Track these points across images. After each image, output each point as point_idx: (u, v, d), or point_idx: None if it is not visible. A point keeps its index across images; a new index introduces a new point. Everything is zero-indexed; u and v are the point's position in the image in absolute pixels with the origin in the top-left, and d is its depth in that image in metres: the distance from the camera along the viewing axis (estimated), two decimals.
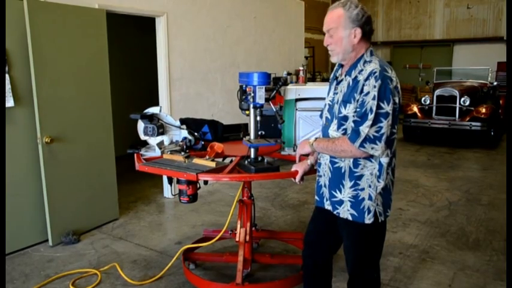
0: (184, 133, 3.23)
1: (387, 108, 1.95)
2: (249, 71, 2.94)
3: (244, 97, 2.90)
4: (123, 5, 4.68)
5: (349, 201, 2.11)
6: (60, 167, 4.00)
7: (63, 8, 3.95)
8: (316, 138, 2.24)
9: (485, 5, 13.87)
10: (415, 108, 9.21)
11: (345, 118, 2.07)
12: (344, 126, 2.08)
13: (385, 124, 1.96)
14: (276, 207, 5.17)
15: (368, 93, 1.96)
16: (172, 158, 2.93)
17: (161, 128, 3.12)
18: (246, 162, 2.88)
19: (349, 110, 2.04)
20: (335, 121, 2.13)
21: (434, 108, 9.01)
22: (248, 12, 6.79)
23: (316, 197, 2.35)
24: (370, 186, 2.07)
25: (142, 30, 6.41)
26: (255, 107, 2.86)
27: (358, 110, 1.99)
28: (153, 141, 3.13)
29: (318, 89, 3.20)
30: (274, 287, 3.21)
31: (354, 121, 2.01)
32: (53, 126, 3.90)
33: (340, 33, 2.07)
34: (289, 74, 6.98)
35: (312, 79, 12.67)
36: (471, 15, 14.12)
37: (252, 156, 2.90)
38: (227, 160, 3.17)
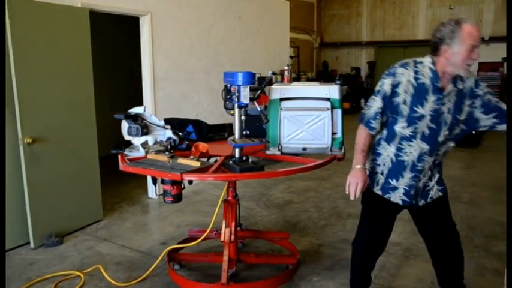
0: (169, 133, 3.22)
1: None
2: (234, 70, 2.94)
3: (228, 97, 2.89)
4: (107, 4, 4.63)
5: (436, 182, 2.50)
6: (42, 168, 3.95)
7: (45, 7, 3.90)
8: None
9: (466, 6, 14.10)
10: None
11: (459, 123, 2.41)
12: (456, 131, 2.43)
13: None
14: (261, 206, 5.18)
15: (481, 95, 2.38)
16: (157, 158, 2.91)
17: (145, 128, 3.10)
18: (231, 161, 2.88)
19: (463, 115, 2.40)
20: (445, 128, 2.36)
21: None
22: (233, 12, 6.78)
23: (405, 199, 2.48)
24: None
25: (126, 30, 6.35)
26: (239, 107, 2.86)
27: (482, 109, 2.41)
28: (137, 141, 3.11)
29: (302, 88, 3.21)
30: (260, 286, 3.21)
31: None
32: (34, 126, 3.84)
33: None
34: (274, 73, 6.97)
35: (297, 79, 12.71)
36: (453, 16, 14.29)
37: (237, 155, 2.90)
38: (212, 160, 3.16)
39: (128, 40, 6.64)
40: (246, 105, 2.86)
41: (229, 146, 2.97)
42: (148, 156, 2.98)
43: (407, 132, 2.35)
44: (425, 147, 2.36)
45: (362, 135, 2.46)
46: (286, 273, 3.31)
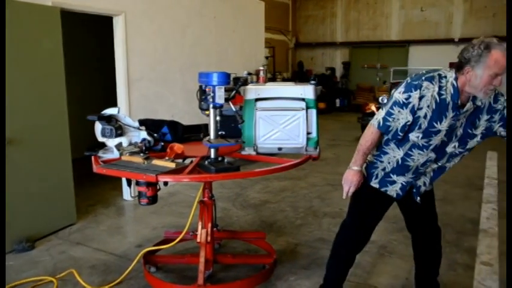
0: (144, 134, 3.19)
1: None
2: (209, 71, 2.93)
3: (203, 97, 2.89)
4: (79, 3, 4.55)
5: (430, 177, 2.64)
6: (13, 171, 3.84)
7: (14, 5, 3.79)
8: None
9: (437, 9, 14.44)
10: (373, 107, 9.47)
11: (473, 136, 2.46)
12: (468, 146, 2.53)
13: None
14: (237, 207, 5.17)
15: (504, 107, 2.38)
16: (131, 159, 2.87)
17: (119, 130, 3.06)
18: (206, 162, 2.87)
19: (478, 131, 2.46)
20: (455, 140, 2.46)
21: None
22: (208, 11, 6.75)
23: (399, 193, 2.58)
24: None
25: (100, 29, 6.25)
26: (214, 107, 2.86)
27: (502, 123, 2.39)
28: (111, 142, 3.07)
29: (277, 88, 3.22)
30: (237, 287, 3.21)
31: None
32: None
33: None
34: (249, 73, 6.98)
35: (273, 79, 12.76)
36: (425, 17, 14.66)
37: (212, 156, 2.89)
38: (187, 161, 3.14)
39: (101, 40, 6.53)
40: (221, 106, 2.86)
41: (204, 147, 2.96)
42: (123, 157, 2.95)
43: (421, 142, 2.40)
44: (433, 155, 2.47)
45: (370, 139, 2.45)
46: (263, 273, 3.32)
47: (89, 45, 7.26)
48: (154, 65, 5.67)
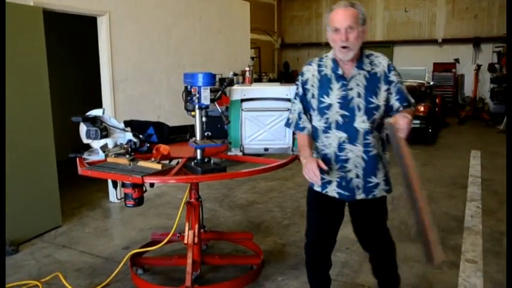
0: (129, 136, 3.16)
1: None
2: (195, 71, 2.92)
3: (189, 98, 2.88)
4: (61, 3, 4.50)
5: (383, 180, 2.43)
6: None
7: None
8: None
9: (420, 9, 14.61)
10: None
11: (377, 108, 2.29)
12: (375, 116, 2.30)
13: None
14: (224, 208, 5.17)
15: (398, 81, 2.32)
16: (117, 161, 2.85)
17: (105, 131, 3.03)
18: (193, 163, 2.87)
19: (380, 99, 2.29)
20: (361, 113, 2.29)
21: None
22: (193, 12, 6.73)
23: (340, 191, 2.42)
24: (388, 163, 2.47)
25: (85, 29, 6.18)
26: (200, 108, 2.86)
27: (399, 97, 2.30)
28: (97, 144, 3.04)
29: (263, 89, 3.23)
30: None
31: (404, 106, 2.32)
32: None
33: (357, 30, 2.23)
34: (235, 74, 6.99)
35: (258, 79, 12.77)
36: (409, 18, 14.82)
37: (199, 157, 2.89)
38: (173, 162, 3.12)
39: (87, 40, 6.47)
40: (207, 107, 2.86)
41: (190, 148, 2.95)
42: (108, 159, 2.92)
43: (322, 124, 2.37)
44: (343, 135, 2.33)
45: (299, 138, 2.54)
46: (251, 274, 3.32)
47: (72, 46, 7.18)
48: (139, 65, 5.64)
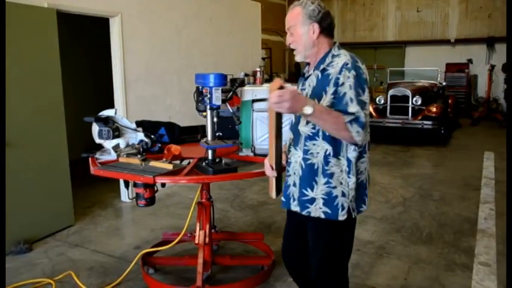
0: (141, 136, 3.18)
1: (364, 97, 1.94)
2: (206, 72, 2.93)
3: (200, 99, 2.88)
4: (75, 5, 4.54)
5: (322, 198, 2.04)
6: (10, 172, 3.82)
7: (10, 7, 3.78)
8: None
9: (433, 10, 14.48)
10: (370, 108, 9.42)
11: None
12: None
13: (364, 113, 1.91)
14: (235, 208, 5.17)
15: (343, 83, 1.94)
16: (129, 161, 2.87)
17: (117, 131, 3.05)
18: (204, 164, 2.87)
19: (323, 103, 1.97)
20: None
21: (388, 107, 9.29)
22: (204, 13, 6.76)
23: (282, 199, 2.26)
24: (341, 184, 2.02)
25: (97, 30, 6.24)
26: (211, 109, 2.86)
27: (336, 101, 1.95)
28: (109, 144, 3.06)
29: None
30: None
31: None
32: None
33: (299, 30, 2.08)
34: (246, 75, 7.00)
35: (269, 80, 12.75)
36: (421, 18, 14.70)
37: (210, 157, 2.89)
38: (185, 162, 3.14)
39: (99, 41, 6.52)
40: (218, 107, 2.86)
41: (202, 148, 2.96)
42: (120, 159, 2.94)
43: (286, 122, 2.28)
44: (291, 136, 2.22)
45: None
46: (261, 274, 3.31)
47: (85, 47, 7.25)
48: (150, 66, 5.67)
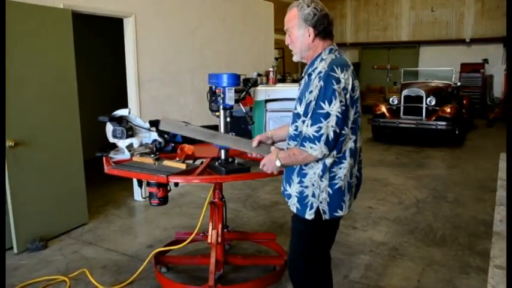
0: (154, 135, 3.20)
1: (328, 108, 1.96)
2: (219, 72, 2.93)
3: (214, 98, 2.89)
4: (89, 5, 4.59)
5: (296, 196, 2.16)
6: (25, 172, 3.89)
7: (27, 8, 3.84)
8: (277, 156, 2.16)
9: (448, 9, 14.31)
10: (384, 108, 9.39)
11: (298, 116, 2.10)
12: (296, 124, 2.12)
13: (324, 125, 1.96)
14: (247, 208, 5.17)
15: (311, 92, 2.01)
16: (142, 160, 2.89)
17: (130, 131, 3.08)
18: (217, 163, 2.88)
19: (302, 108, 2.07)
20: (292, 117, 2.18)
21: (402, 108, 9.21)
22: (217, 13, 6.78)
23: (282, 188, 2.38)
24: (313, 185, 2.09)
25: (111, 31, 6.30)
26: (224, 108, 2.86)
27: (304, 109, 2.04)
28: (122, 143, 3.09)
29: (287, 89, 3.23)
30: None
31: (302, 120, 2.07)
32: (16, 129, 3.78)
33: (295, 33, 2.12)
34: (259, 75, 7.00)
35: (282, 80, 12.74)
36: (435, 18, 14.54)
37: (223, 157, 2.90)
38: (198, 162, 3.15)
39: (112, 41, 6.59)
40: (231, 107, 2.86)
41: (214, 148, 2.96)
42: (134, 158, 2.96)
43: None
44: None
45: None
46: (273, 274, 3.31)
47: (99, 47, 7.32)
48: (164, 66, 5.70)
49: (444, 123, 8.62)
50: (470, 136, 10.10)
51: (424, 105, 8.95)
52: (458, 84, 11.04)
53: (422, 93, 9.03)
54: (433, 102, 8.93)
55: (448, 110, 8.76)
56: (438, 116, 8.75)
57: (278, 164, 2.14)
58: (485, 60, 13.41)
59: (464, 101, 10.37)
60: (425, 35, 14.73)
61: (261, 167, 2.23)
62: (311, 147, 1.98)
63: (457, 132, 8.89)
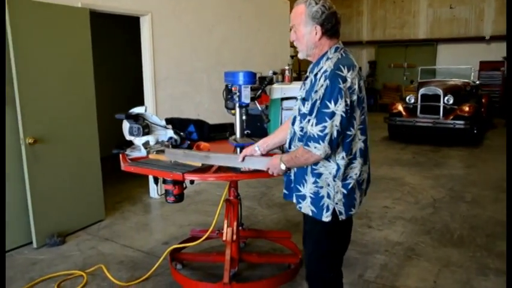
0: (170, 133, 3.22)
1: (333, 107, 1.93)
2: (235, 70, 2.94)
3: (229, 96, 2.90)
4: (107, 4, 4.64)
5: (310, 197, 2.12)
6: (44, 168, 3.95)
7: (45, 7, 3.90)
8: (281, 158, 2.19)
9: (467, 6, 14.09)
10: (400, 107, 9.29)
11: (304, 116, 2.08)
12: (302, 124, 2.10)
13: (329, 124, 1.94)
14: (262, 206, 5.18)
15: (316, 92, 1.99)
16: (158, 158, 2.91)
17: (147, 128, 3.10)
18: None
19: (308, 107, 2.04)
20: (298, 118, 2.14)
21: (418, 107, 9.10)
22: (233, 11, 6.78)
23: (284, 191, 2.36)
24: (328, 185, 2.07)
25: (127, 29, 6.35)
26: (240, 106, 2.86)
27: (310, 108, 2.02)
28: (139, 141, 3.11)
29: None
30: (262, 286, 3.21)
31: (307, 120, 2.04)
32: (36, 126, 3.85)
33: (302, 30, 2.08)
34: (274, 73, 6.97)
35: (298, 78, 12.69)
36: (454, 15, 14.33)
37: None
38: None
39: (129, 40, 6.64)
40: (247, 105, 2.86)
41: (230, 146, 2.97)
42: (150, 156, 2.99)
43: None
44: (290, 133, 2.26)
45: None
46: (288, 273, 3.31)
47: (116, 45, 7.38)
48: (180, 64, 5.73)
49: (462, 122, 8.49)
50: (489, 135, 9.93)
51: (441, 104, 8.82)
52: (477, 82, 10.86)
53: (440, 91, 8.91)
54: (451, 101, 8.80)
55: (467, 109, 8.63)
56: (456, 115, 8.62)
57: (283, 167, 2.17)
58: (506, 58, 13.16)
59: (483, 100, 10.20)
60: (443, 32, 14.53)
61: (265, 169, 2.30)
62: (315, 147, 1.97)
63: (475, 131, 8.75)
